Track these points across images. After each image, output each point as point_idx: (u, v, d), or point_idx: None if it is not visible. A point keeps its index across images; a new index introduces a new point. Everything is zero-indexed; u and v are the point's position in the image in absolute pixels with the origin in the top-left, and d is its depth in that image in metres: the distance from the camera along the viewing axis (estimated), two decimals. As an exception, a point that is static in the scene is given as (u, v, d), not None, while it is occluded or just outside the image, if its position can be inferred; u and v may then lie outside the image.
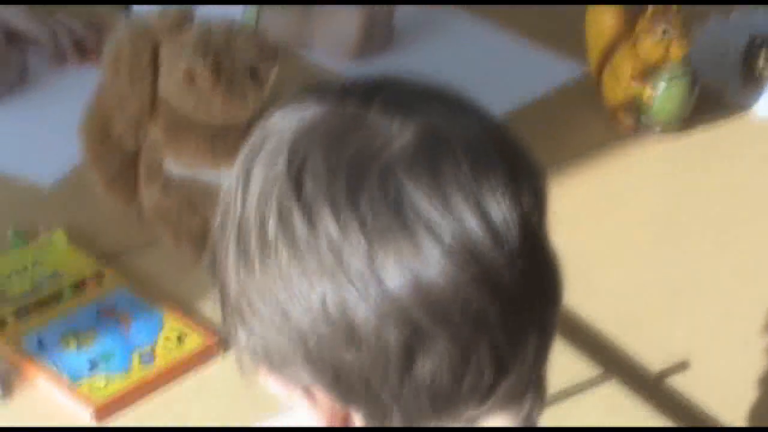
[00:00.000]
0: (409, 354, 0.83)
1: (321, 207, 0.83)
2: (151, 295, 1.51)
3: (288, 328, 0.86)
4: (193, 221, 1.54)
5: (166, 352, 1.42)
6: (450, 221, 0.83)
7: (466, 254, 0.83)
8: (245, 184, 0.87)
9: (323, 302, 0.84)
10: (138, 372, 1.40)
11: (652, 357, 1.49)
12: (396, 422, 0.87)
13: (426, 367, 0.84)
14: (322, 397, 0.88)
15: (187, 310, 1.49)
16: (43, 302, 1.48)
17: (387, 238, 0.83)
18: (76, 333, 1.44)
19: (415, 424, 0.87)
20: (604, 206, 1.71)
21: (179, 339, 1.43)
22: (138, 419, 1.36)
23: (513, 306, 0.85)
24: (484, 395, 0.86)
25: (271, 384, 0.92)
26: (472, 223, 0.83)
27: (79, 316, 1.46)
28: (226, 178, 0.91)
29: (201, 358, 1.43)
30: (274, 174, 0.85)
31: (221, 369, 1.43)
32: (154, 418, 1.37)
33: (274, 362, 0.88)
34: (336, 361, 0.85)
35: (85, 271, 1.53)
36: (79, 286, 1.50)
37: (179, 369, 1.41)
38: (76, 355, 1.41)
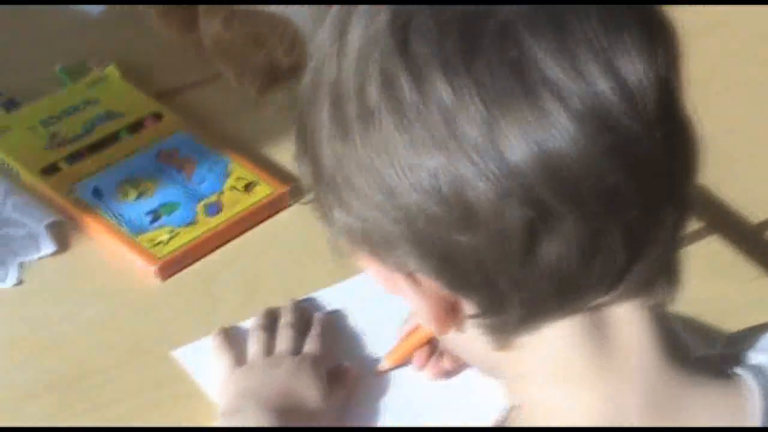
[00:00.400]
0: (532, 236, 0.73)
1: (431, 69, 0.72)
2: (213, 138, 1.40)
3: (393, 207, 0.75)
4: (258, 56, 1.43)
5: (233, 202, 1.32)
6: (579, 84, 0.72)
7: (597, 122, 0.72)
8: (340, 42, 0.75)
9: (434, 178, 0.73)
10: (203, 224, 1.29)
11: (753, 209, 1.41)
12: (515, 310, 0.77)
13: (551, 250, 0.74)
14: (429, 284, 0.78)
15: (253, 155, 1.39)
16: (97, 146, 1.37)
17: (507, 105, 0.71)
18: (135, 180, 1.33)
19: (537, 314, 0.78)
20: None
21: (247, 188, 1.33)
22: (203, 275, 1.27)
23: (650, 180, 0.74)
24: (613, 281, 0.77)
25: (370, 269, 0.82)
26: (603, 86, 0.72)
27: (138, 162, 1.36)
28: (317, 28, 0.79)
29: (270, 208, 1.32)
30: (375, 31, 0.74)
31: (291, 219, 1.33)
32: (220, 273, 1.27)
33: (376, 245, 0.79)
34: (448, 245, 0.75)
35: (142, 110, 1.41)
36: (135, 127, 1.39)
37: (247, 220, 1.31)
38: (135, 206, 1.31)
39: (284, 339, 1.17)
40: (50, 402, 1.16)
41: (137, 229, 1.28)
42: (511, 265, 0.75)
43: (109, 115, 1.40)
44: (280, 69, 1.44)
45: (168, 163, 1.35)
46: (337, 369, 1.16)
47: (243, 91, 1.45)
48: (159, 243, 1.27)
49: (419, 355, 1.16)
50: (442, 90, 0.72)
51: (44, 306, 1.24)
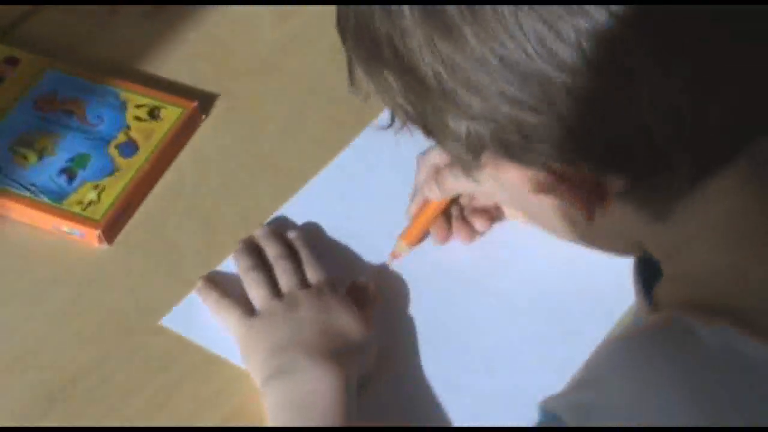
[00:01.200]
0: (702, 89, 0.69)
1: None
2: (88, 68, 1.23)
3: (530, 95, 0.68)
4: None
5: (145, 135, 1.17)
6: None
7: None
8: None
9: (579, 47, 0.66)
10: (126, 168, 1.14)
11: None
12: (682, 172, 0.72)
13: (720, 99, 0.70)
14: (572, 172, 0.72)
15: (140, 77, 1.23)
16: (-39, 113, 1.19)
17: None
18: (26, 140, 1.16)
19: (706, 170, 0.73)
20: None
21: (152, 114, 1.18)
22: (150, 225, 1.13)
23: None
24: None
25: (500, 174, 0.75)
26: None
27: (17, 118, 1.18)
28: None
29: (187, 129, 1.18)
30: None
31: (212, 135, 1.19)
32: (167, 217, 1.13)
33: (509, 144, 0.72)
34: (603, 122, 0.69)
35: (-11, 58, 1.24)
36: (-7, 80, 1.22)
37: (169, 150, 1.17)
38: (41, 169, 1.14)
39: (285, 273, 1.05)
40: (55, 418, 1.00)
41: (57, 195, 1.12)
42: (679, 127, 0.70)
43: (-46, 76, 1.22)
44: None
45: (51, 110, 1.18)
46: (353, 288, 1.06)
47: (87, 9, 1.29)
48: (90, 204, 1.11)
49: (438, 229, 1.09)
50: None
51: (-9, 313, 1.09)
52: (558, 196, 0.74)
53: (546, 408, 0.75)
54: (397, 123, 0.78)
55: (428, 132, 0.76)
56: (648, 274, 0.85)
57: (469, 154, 0.74)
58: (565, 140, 0.71)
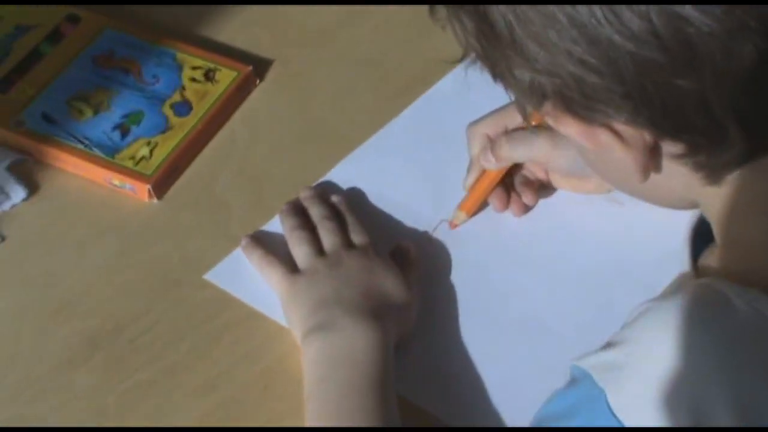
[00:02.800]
0: (763, 67, 0.70)
1: None
2: (146, 30, 1.26)
3: (596, 58, 0.71)
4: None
5: (200, 96, 1.19)
6: None
7: None
8: None
9: (647, 21, 0.68)
10: (179, 127, 1.17)
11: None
12: (737, 145, 0.74)
13: None
14: (632, 132, 0.75)
15: (197, 39, 1.26)
16: (23, 67, 1.22)
17: None
18: (83, 95, 1.19)
19: (760, 147, 0.75)
20: None
21: (207, 76, 1.21)
22: (200, 182, 1.15)
23: None
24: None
25: (560, 127, 0.78)
26: None
27: (75, 74, 1.21)
28: None
29: (241, 92, 1.21)
30: None
31: (266, 99, 1.22)
32: (217, 174, 1.16)
33: (571, 101, 0.74)
34: (666, 92, 0.72)
35: (53, 16, 1.26)
36: (55, 37, 1.24)
37: (223, 111, 1.19)
38: (96, 123, 1.17)
39: (329, 233, 1.07)
40: (98, 364, 1.03)
41: (110, 149, 1.15)
42: (739, 100, 0.72)
43: (20, 30, 1.25)
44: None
45: (108, 67, 1.22)
46: (396, 251, 1.08)
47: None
48: (141, 159, 1.14)
49: (497, 198, 1.10)
50: None
51: (41, 260, 1.11)
52: (615, 152, 0.77)
53: (576, 365, 0.77)
54: (469, 60, 0.80)
55: (495, 75, 0.78)
56: (700, 247, 0.87)
57: (531, 104, 0.77)
58: (626, 104, 0.73)
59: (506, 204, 1.10)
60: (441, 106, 1.20)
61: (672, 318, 0.74)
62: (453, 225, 1.11)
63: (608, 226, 1.09)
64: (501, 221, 1.11)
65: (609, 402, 0.74)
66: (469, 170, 1.11)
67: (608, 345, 0.77)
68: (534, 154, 1.07)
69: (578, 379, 0.77)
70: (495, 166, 1.09)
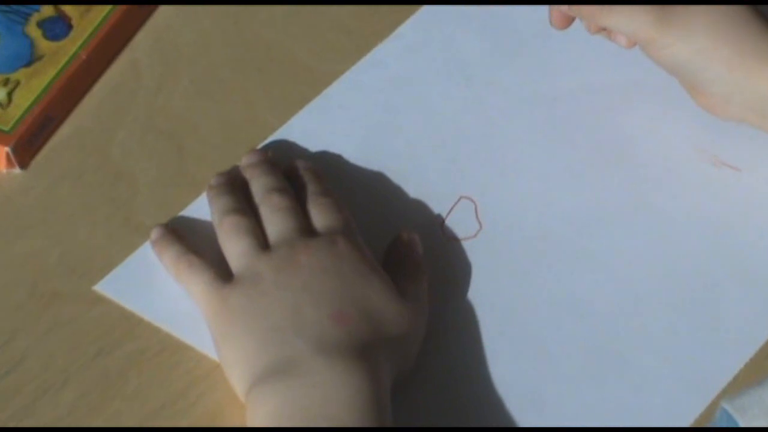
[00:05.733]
0: None
1: None
2: None
3: None
4: None
5: (82, 10, 0.87)
6: None
7: None
8: None
9: None
10: (53, 57, 0.84)
11: None
12: None
13: None
14: None
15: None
16: None
17: None
18: None
19: None
20: None
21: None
22: (87, 142, 0.84)
23: None
24: None
25: None
26: None
27: None
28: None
29: (139, 11, 0.89)
30: None
31: (183, 10, 0.90)
32: (112, 130, 0.84)
33: None
34: None
35: None
36: None
37: (118, 31, 0.87)
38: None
39: (280, 215, 0.78)
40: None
41: (-52, 95, 0.83)
42: None
43: None
44: None
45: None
46: (394, 248, 0.79)
47: None
48: (-5, 110, 0.83)
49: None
50: None
51: None
52: None
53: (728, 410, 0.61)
54: None
55: None
56: None
57: None
58: None
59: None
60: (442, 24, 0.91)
61: None
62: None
63: (714, 203, 0.81)
64: (553, 200, 0.81)
65: None
66: None
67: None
68: (633, 29, 0.82)
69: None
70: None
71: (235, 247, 0.77)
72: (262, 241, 0.77)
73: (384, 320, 0.74)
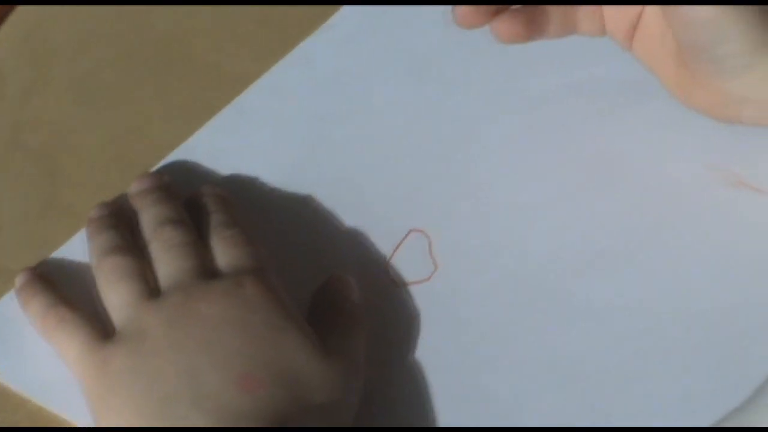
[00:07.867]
0: None
1: None
2: None
3: None
4: None
5: None
6: None
7: None
8: None
9: None
10: None
11: None
12: None
13: None
14: None
15: None
16: None
17: None
18: None
19: None
20: None
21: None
22: None
23: None
24: None
25: None
26: None
27: None
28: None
29: None
30: None
31: None
32: None
33: None
34: None
35: None
36: None
37: None
38: None
39: (172, 252, 0.64)
40: None
41: None
42: None
43: None
44: None
45: None
46: (324, 293, 0.65)
47: None
48: None
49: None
50: None
51: None
52: None
53: None
54: None
55: None
56: None
57: None
58: None
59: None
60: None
61: None
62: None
63: (734, 234, 0.66)
64: (529, 234, 0.67)
65: None
66: None
67: None
68: None
69: None
70: None
71: (116, 296, 0.64)
72: (151, 287, 0.64)
73: (305, 385, 0.61)
